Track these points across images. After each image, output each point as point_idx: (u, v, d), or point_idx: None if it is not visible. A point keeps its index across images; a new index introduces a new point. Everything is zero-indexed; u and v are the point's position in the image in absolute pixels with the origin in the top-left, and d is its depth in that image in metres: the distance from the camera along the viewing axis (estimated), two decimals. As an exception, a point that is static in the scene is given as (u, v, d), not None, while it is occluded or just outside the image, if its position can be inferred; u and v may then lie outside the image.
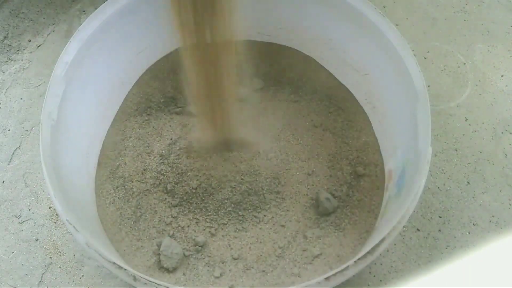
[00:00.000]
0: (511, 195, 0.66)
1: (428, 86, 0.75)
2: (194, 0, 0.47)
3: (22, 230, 0.64)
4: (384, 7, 0.86)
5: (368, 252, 0.45)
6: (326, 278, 0.44)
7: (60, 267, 0.61)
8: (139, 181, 0.65)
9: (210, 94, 0.58)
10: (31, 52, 0.81)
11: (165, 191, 0.64)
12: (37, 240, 0.63)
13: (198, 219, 0.62)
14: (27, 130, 0.73)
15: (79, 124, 0.62)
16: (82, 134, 0.63)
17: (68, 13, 0.86)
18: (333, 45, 0.71)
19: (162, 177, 0.65)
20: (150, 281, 0.44)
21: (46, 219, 0.65)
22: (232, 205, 0.63)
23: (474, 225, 0.64)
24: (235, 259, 0.59)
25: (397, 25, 0.83)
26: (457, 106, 0.74)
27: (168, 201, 0.63)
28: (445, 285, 0.59)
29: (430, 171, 0.66)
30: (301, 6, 0.69)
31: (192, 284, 0.57)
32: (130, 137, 0.69)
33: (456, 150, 0.70)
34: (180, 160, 0.66)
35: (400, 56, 0.59)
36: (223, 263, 0.59)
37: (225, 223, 0.62)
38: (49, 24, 0.85)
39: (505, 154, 0.69)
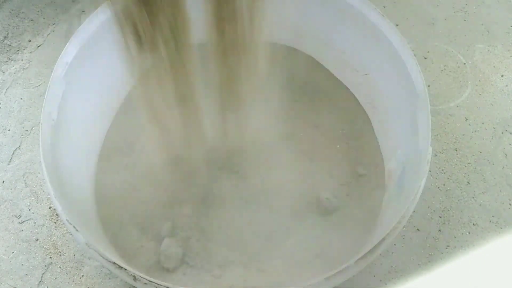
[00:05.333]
0: (511, 195, 0.66)
1: (428, 86, 0.75)
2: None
3: (22, 230, 0.64)
4: (384, 7, 0.86)
5: (368, 252, 0.45)
6: (326, 278, 0.44)
7: (60, 267, 0.61)
8: (139, 181, 0.65)
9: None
10: (31, 52, 0.81)
11: (165, 191, 0.64)
12: (37, 240, 0.63)
13: (198, 218, 0.62)
14: (27, 130, 0.73)
15: (79, 124, 0.62)
16: (82, 134, 0.63)
17: (68, 13, 0.86)
18: (333, 45, 0.71)
19: (162, 176, 0.65)
20: (150, 281, 0.44)
21: (46, 219, 0.65)
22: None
23: (474, 225, 0.64)
24: (235, 259, 0.59)
25: (397, 25, 0.83)
26: (457, 106, 0.74)
27: (168, 200, 0.63)
28: (445, 285, 0.59)
29: (430, 171, 0.66)
30: (301, 6, 0.69)
31: (192, 284, 0.57)
32: (130, 137, 0.69)
33: (456, 150, 0.70)
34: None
35: (400, 56, 0.59)
36: (223, 263, 0.59)
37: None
38: (49, 24, 0.85)
39: (505, 154, 0.69)
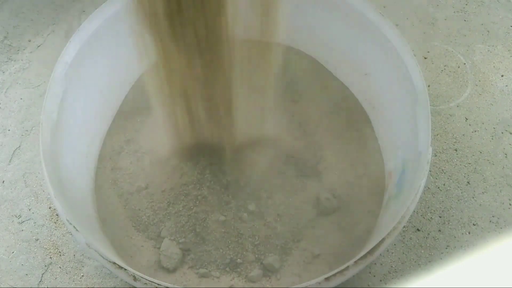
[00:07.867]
0: (511, 195, 0.66)
1: (428, 86, 0.75)
2: None
3: (22, 230, 0.64)
4: (384, 7, 0.86)
5: (368, 252, 0.45)
6: (326, 278, 0.44)
7: (60, 267, 0.61)
8: (139, 181, 0.65)
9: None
10: (31, 52, 0.81)
11: (166, 190, 0.64)
12: (37, 240, 0.63)
13: (198, 218, 0.62)
14: (27, 130, 0.73)
15: (79, 124, 0.62)
16: (82, 134, 0.63)
17: (68, 13, 0.86)
18: (333, 45, 0.71)
19: (162, 176, 0.65)
20: (150, 281, 0.44)
21: (46, 219, 0.65)
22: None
23: (474, 225, 0.64)
24: (235, 259, 0.59)
25: (397, 25, 0.83)
26: (457, 106, 0.74)
27: (168, 201, 0.63)
28: (445, 285, 0.59)
29: (430, 171, 0.66)
30: (301, 6, 0.69)
31: (192, 284, 0.57)
32: (130, 137, 0.69)
33: (456, 150, 0.70)
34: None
35: (400, 56, 0.59)
36: (223, 263, 0.59)
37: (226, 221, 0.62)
38: (49, 24, 0.85)
39: (505, 154, 0.69)
